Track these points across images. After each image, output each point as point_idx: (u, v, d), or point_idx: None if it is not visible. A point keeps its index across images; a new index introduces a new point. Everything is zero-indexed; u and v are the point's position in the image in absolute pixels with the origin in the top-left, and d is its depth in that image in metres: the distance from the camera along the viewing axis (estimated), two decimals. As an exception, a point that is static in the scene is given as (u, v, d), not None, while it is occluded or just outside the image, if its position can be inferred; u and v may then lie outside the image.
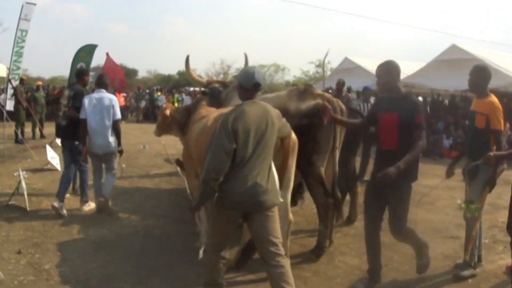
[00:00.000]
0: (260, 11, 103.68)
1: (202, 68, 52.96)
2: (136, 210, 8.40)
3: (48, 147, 11.92)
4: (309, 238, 7.00)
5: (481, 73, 5.73)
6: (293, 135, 5.16)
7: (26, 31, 18.29)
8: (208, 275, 4.66)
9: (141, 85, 33.94)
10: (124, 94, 28.07)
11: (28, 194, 8.60)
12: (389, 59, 5.25)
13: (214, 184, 4.22)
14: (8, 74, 17.12)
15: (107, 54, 18.38)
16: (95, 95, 8.14)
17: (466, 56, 16.38)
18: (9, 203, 8.37)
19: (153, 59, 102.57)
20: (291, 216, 5.47)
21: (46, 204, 8.57)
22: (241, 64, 56.25)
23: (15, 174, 10.28)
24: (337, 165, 6.38)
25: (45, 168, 11.83)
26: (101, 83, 8.31)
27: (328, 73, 33.03)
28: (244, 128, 4.26)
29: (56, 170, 11.50)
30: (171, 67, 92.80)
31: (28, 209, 8.13)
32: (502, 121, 5.51)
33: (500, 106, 5.56)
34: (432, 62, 18.08)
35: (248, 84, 4.50)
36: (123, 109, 24.64)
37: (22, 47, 18.20)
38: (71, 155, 8.28)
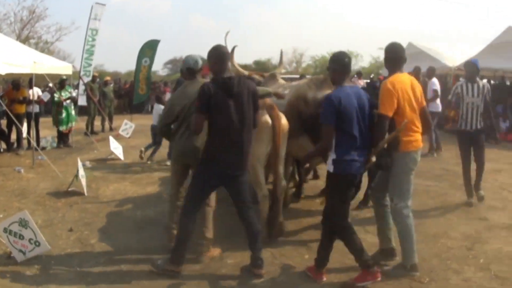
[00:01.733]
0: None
1: (277, 58, 53.01)
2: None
3: (111, 138, 12.79)
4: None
5: (385, 52, 5.42)
6: (284, 121, 6.16)
7: (97, 30, 19.32)
8: (168, 221, 6.25)
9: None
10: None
11: (89, 181, 9.44)
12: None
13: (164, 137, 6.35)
14: (80, 72, 18.18)
15: None
16: None
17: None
18: (69, 189, 9.15)
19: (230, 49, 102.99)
20: (284, 182, 6.54)
21: (103, 190, 9.35)
22: (315, 52, 56.02)
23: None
24: None
25: (109, 158, 12.70)
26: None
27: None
28: (179, 102, 5.76)
29: (119, 159, 12.36)
30: (248, 57, 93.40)
31: (85, 194, 8.88)
32: (388, 105, 5.03)
33: (387, 88, 5.08)
34: (489, 46, 17.69)
35: (183, 69, 6.12)
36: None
37: (93, 46, 19.24)
38: None
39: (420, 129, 5.31)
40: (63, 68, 13.95)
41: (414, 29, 75.53)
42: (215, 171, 5.17)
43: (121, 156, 12.47)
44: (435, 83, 13.30)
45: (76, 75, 19.03)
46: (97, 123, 18.68)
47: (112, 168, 11.50)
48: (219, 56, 5.19)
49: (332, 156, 4.93)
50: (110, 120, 19.23)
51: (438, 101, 12.97)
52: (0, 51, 10.56)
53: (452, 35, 72.26)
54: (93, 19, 19.17)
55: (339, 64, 5.03)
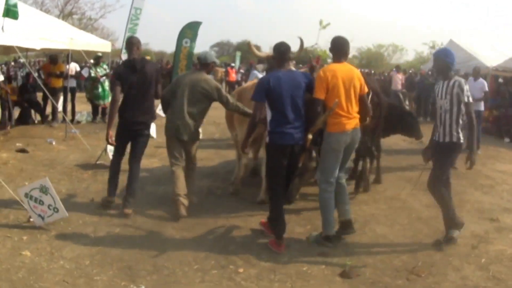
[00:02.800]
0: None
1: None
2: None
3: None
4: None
5: (331, 44, 5.92)
6: None
7: (140, 9, 19.23)
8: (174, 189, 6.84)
9: (253, 61, 34.49)
10: (242, 70, 29.94)
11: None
12: None
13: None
14: (121, 50, 18.34)
15: None
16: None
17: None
18: (97, 162, 9.38)
19: (279, 34, 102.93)
20: (245, 160, 7.87)
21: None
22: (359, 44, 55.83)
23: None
24: None
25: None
26: None
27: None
28: (181, 85, 6.77)
29: (151, 137, 12.40)
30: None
31: (112, 167, 9.01)
32: (319, 90, 5.61)
33: (319, 75, 5.69)
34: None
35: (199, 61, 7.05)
36: (234, 83, 27.06)
37: (136, 25, 19.21)
38: None
39: (351, 115, 5.75)
40: (101, 46, 14.18)
41: (455, 27, 74.89)
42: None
43: (154, 134, 12.56)
44: (485, 84, 12.70)
45: (118, 52, 19.19)
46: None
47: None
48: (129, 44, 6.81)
49: (268, 128, 5.74)
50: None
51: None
52: (36, 27, 10.77)
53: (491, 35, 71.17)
54: (137, -3, 19.21)
55: (276, 52, 5.88)
